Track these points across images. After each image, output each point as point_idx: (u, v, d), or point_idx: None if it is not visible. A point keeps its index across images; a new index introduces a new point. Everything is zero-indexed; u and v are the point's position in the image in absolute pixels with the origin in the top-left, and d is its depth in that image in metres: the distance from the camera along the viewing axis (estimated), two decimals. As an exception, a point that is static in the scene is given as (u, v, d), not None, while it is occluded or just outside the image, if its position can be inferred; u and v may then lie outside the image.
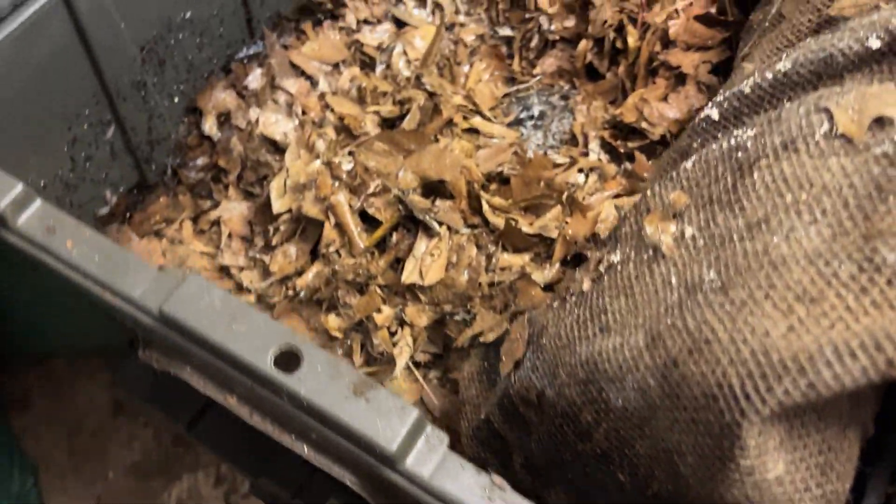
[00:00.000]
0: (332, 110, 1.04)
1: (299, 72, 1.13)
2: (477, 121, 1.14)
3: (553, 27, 1.23)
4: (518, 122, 1.17)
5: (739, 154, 0.60)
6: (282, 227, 0.96)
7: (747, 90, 0.68)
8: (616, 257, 0.64)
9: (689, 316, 0.51)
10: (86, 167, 0.94)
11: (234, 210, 1.03)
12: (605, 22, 1.13)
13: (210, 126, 1.09)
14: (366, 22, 1.21)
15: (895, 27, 0.59)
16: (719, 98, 0.71)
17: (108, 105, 0.92)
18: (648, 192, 0.67)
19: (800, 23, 0.83)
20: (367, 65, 1.16)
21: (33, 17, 0.76)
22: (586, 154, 1.09)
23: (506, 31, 1.26)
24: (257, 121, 1.03)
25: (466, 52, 1.23)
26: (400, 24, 1.23)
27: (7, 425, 1.14)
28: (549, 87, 1.21)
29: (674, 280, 0.56)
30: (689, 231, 0.58)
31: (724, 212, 0.57)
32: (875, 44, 0.60)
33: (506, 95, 1.19)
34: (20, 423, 1.17)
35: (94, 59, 0.86)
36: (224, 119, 1.10)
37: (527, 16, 1.25)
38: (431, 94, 1.12)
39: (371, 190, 0.92)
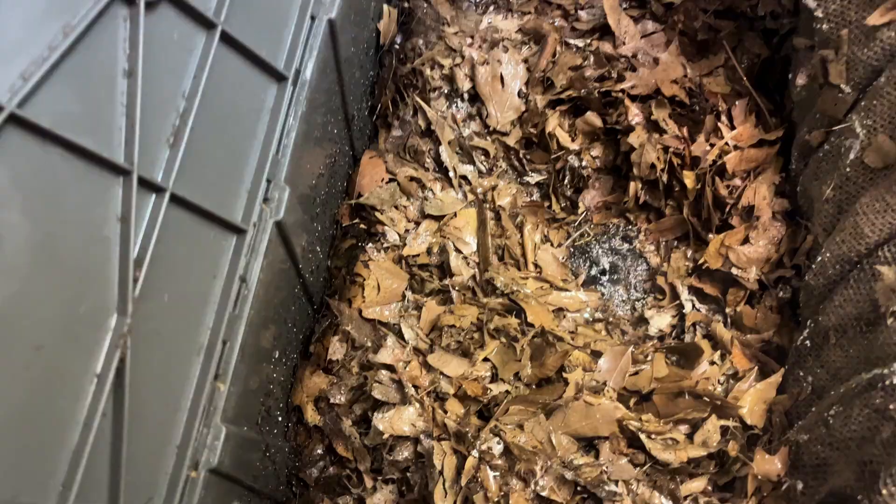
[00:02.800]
0: (442, 373, 1.01)
1: (373, 326, 1.07)
2: (556, 297, 1.12)
3: (584, 162, 1.19)
4: (593, 281, 1.15)
5: None
6: (453, 523, 0.95)
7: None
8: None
9: None
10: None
11: (381, 502, 1.01)
12: (652, 165, 1.10)
13: (311, 415, 1.04)
14: (406, 231, 1.15)
15: None
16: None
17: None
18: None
19: None
20: (425, 282, 1.11)
21: None
22: (681, 306, 1.09)
23: (535, 177, 1.22)
24: (383, 425, 0.98)
25: (508, 217, 1.18)
26: (437, 217, 1.17)
27: None
28: (604, 227, 1.18)
29: None
30: None
31: None
32: None
33: (560, 245, 1.17)
34: None
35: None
36: (323, 402, 1.05)
37: (552, 156, 1.20)
38: (510, 297, 1.09)
39: (538, 475, 0.91)
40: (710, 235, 1.08)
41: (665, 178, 1.10)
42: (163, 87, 0.65)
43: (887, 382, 0.74)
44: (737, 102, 1.10)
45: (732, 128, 1.08)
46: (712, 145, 1.08)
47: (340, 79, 0.98)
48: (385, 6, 1.17)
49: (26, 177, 0.54)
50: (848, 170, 0.93)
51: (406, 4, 1.29)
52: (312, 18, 0.85)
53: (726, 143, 1.07)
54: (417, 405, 0.99)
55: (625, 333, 1.10)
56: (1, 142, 0.52)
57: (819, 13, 0.94)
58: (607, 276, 1.15)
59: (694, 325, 1.07)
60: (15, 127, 0.53)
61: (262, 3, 0.76)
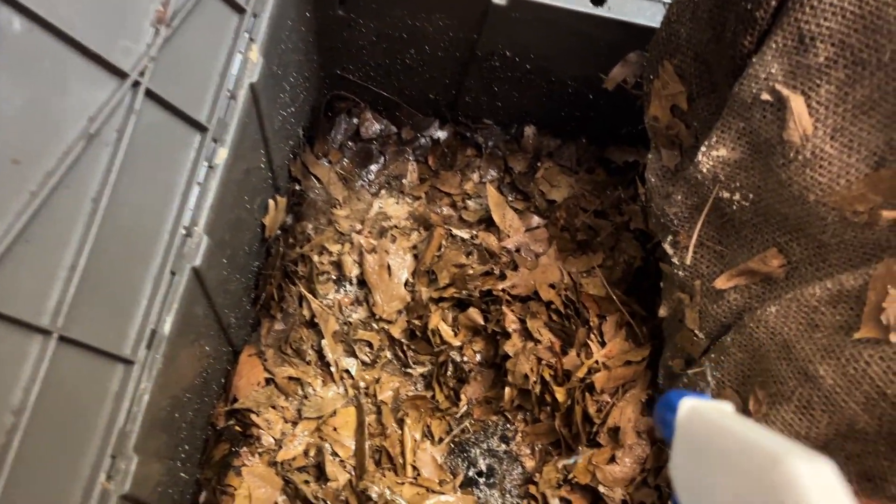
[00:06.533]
0: None
1: (244, 541, 1.06)
2: (433, 503, 1.12)
3: (465, 357, 1.21)
4: (470, 482, 1.16)
5: None
6: None
7: None
8: None
9: None
10: None
11: None
12: (525, 375, 1.12)
13: None
14: (282, 434, 1.14)
15: None
16: None
17: None
18: None
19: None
20: (299, 488, 1.10)
21: None
22: (552, 517, 1.11)
23: (419, 369, 1.23)
24: None
25: (390, 412, 1.19)
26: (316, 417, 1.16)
27: None
28: (483, 424, 1.20)
29: None
30: None
31: None
32: None
33: (441, 440, 1.17)
34: None
35: None
36: None
37: (435, 350, 1.21)
38: (384, 507, 1.08)
39: None
40: (580, 448, 1.10)
41: (538, 389, 1.12)
42: (-13, 408, 0.63)
43: None
44: (607, 317, 1.13)
45: (603, 344, 1.12)
46: (584, 361, 1.11)
47: (212, 304, 0.97)
48: (271, 201, 1.18)
49: None
50: (701, 412, 0.97)
51: (297, 187, 1.30)
52: (172, 274, 0.84)
53: (596, 362, 1.10)
54: None
55: (498, 542, 1.11)
56: None
57: (675, 260, 0.98)
58: (484, 479, 1.16)
59: (566, 542, 1.09)
60: None
61: (108, 290, 0.75)
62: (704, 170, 0.88)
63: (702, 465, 0.39)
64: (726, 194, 0.89)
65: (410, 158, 1.36)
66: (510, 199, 1.30)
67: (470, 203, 1.31)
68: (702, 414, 0.41)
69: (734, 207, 0.89)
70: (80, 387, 0.72)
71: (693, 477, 0.40)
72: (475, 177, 1.33)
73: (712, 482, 0.37)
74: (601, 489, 1.07)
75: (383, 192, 1.33)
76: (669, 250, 0.99)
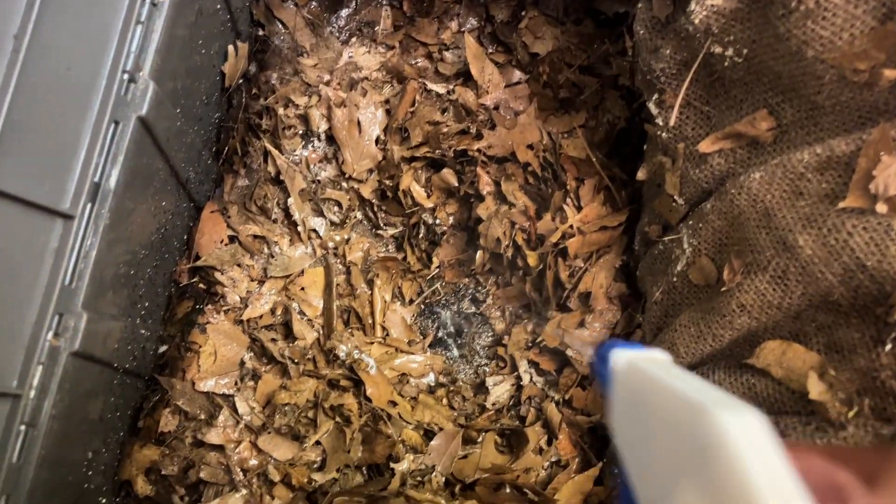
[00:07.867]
0: (271, 457, 1.01)
1: (208, 397, 1.06)
2: (402, 363, 1.13)
3: (438, 220, 1.17)
4: (440, 343, 1.16)
5: None
6: None
7: None
8: None
9: None
10: None
11: (211, 573, 1.02)
12: (498, 239, 1.09)
13: (142, 487, 1.04)
14: (248, 292, 1.11)
15: None
16: None
17: None
18: None
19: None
20: (265, 346, 1.09)
21: None
22: (520, 378, 1.11)
23: (391, 230, 1.19)
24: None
25: (360, 273, 1.17)
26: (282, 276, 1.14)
27: None
28: (454, 286, 1.18)
29: None
30: None
31: None
32: None
33: (411, 301, 1.16)
34: None
35: None
36: (154, 474, 1.04)
37: (407, 211, 1.17)
38: (351, 367, 1.08)
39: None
40: (551, 312, 1.09)
41: (510, 253, 1.09)
42: None
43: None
44: (585, 181, 1.09)
45: (579, 208, 1.08)
46: (559, 225, 1.07)
47: (166, 158, 0.91)
48: (231, 47, 1.09)
49: None
50: (675, 279, 0.94)
51: (261, 32, 1.20)
52: (116, 123, 0.78)
53: (570, 226, 1.06)
54: (245, 491, 0.99)
55: (465, 399, 1.12)
56: None
57: (659, 121, 0.92)
58: (453, 339, 1.16)
59: (529, 398, 1.10)
60: None
61: (40, 141, 0.69)
62: (697, 21, 0.81)
63: (639, 419, 0.38)
64: (718, 49, 0.82)
65: (384, 3, 1.25)
66: (490, 51, 1.22)
67: (447, 55, 1.22)
68: (637, 367, 0.39)
69: (725, 64, 0.82)
70: (13, 242, 0.68)
71: (632, 432, 0.39)
72: (454, 25, 1.23)
73: (649, 437, 0.37)
74: (569, 352, 1.07)
75: (354, 39, 1.24)
76: (654, 110, 0.93)
